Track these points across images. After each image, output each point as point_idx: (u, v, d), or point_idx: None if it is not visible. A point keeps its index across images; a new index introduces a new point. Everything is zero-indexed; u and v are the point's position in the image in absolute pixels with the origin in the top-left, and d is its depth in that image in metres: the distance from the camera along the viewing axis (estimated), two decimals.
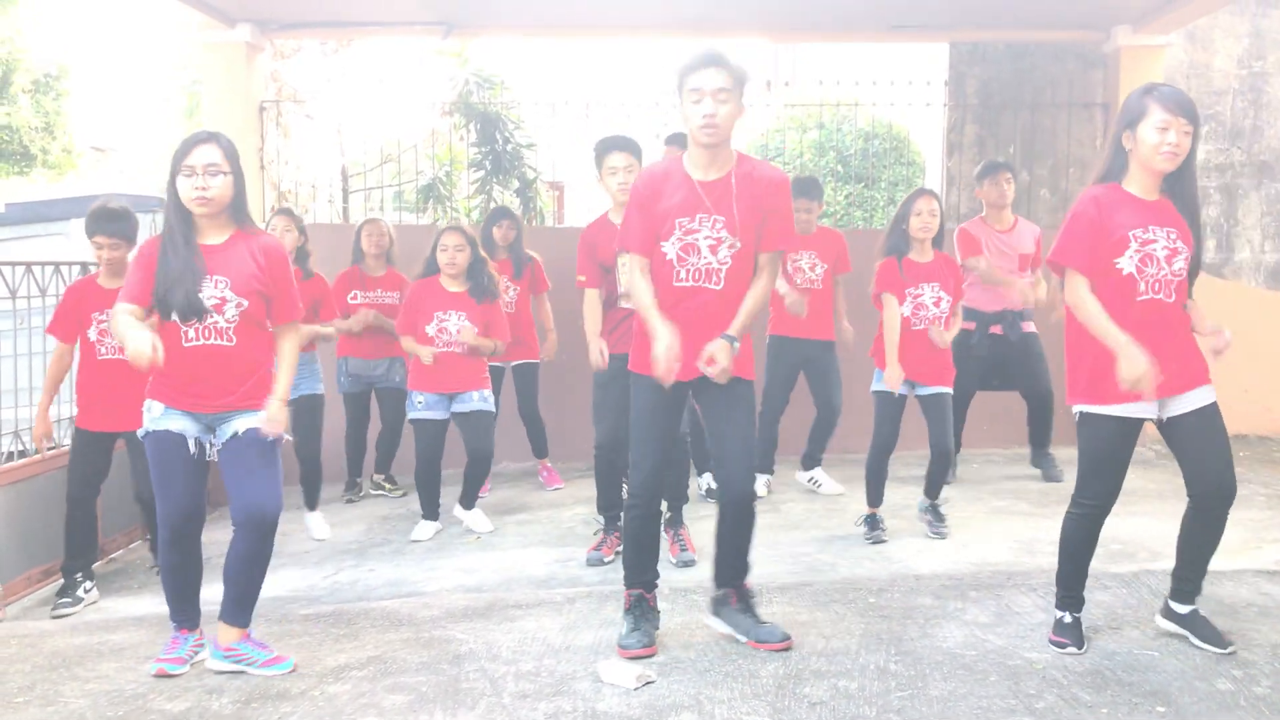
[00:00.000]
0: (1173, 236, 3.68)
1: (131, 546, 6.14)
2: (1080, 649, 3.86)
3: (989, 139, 8.96)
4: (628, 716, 3.43)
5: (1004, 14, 8.06)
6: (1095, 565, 4.96)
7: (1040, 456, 7.10)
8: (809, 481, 6.80)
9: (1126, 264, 3.67)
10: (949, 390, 5.57)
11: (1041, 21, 8.24)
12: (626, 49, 14.89)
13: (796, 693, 3.56)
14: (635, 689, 3.62)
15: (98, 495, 5.25)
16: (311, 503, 6.32)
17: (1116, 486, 3.91)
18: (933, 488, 5.72)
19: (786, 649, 3.91)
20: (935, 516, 5.71)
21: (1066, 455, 7.36)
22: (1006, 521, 5.83)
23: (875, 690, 3.57)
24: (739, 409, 3.94)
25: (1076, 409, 3.86)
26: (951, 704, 3.45)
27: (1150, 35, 8.12)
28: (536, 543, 5.87)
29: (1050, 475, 6.95)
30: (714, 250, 3.82)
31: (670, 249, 3.85)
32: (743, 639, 3.99)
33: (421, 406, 5.97)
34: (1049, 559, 5.13)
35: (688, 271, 3.85)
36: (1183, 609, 3.94)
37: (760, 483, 6.72)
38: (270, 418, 3.89)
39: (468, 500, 6.18)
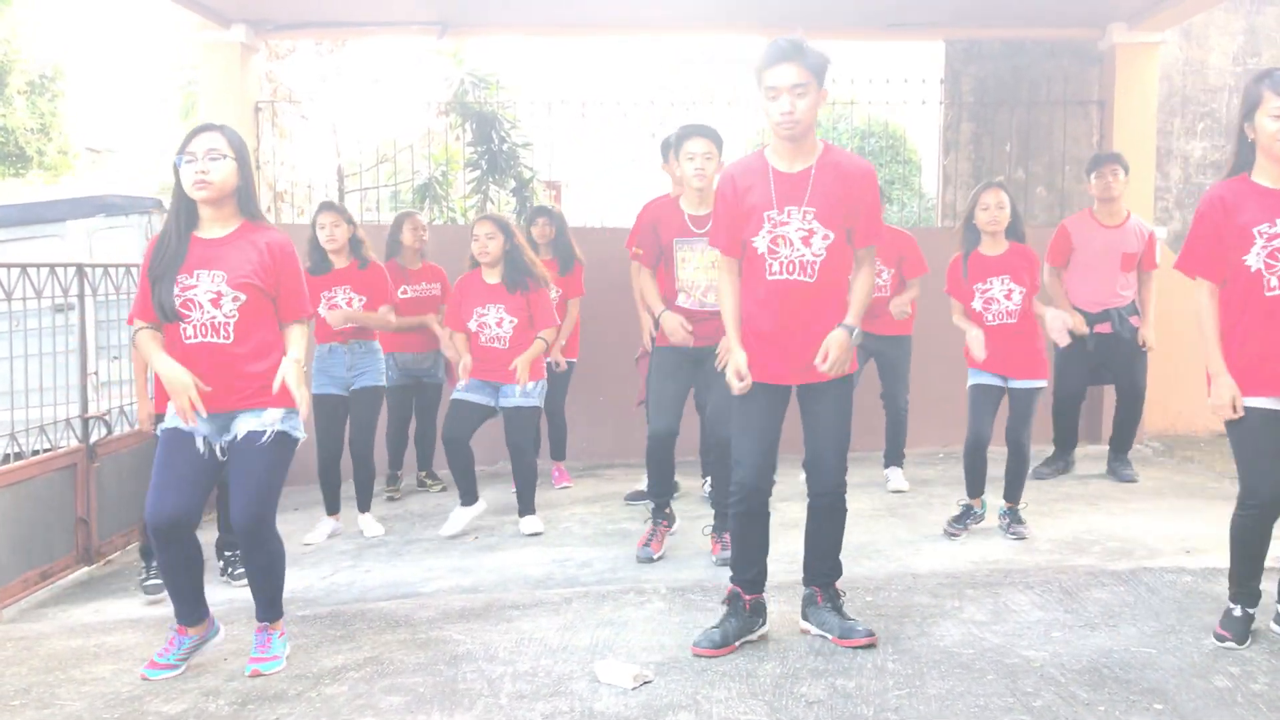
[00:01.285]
0: None
1: (128, 548, 6.13)
2: (1241, 644, 3.78)
3: (985, 137, 8.96)
4: (625, 717, 3.42)
5: (1000, 11, 8.07)
6: (1092, 563, 5.01)
7: (1117, 461, 6.98)
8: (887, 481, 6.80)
9: (1254, 260, 3.62)
10: (1040, 385, 5.46)
11: (1037, 19, 8.25)
12: (623, 47, 14.88)
13: (794, 692, 3.55)
14: (632, 689, 3.61)
15: None
16: (364, 504, 6.32)
17: (1278, 480, 3.74)
18: (1012, 489, 5.57)
19: (871, 645, 3.90)
20: (1014, 519, 5.56)
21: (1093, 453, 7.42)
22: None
23: (873, 689, 3.56)
24: (836, 405, 3.94)
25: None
26: (949, 702, 3.44)
27: (1146, 32, 8.13)
28: (534, 543, 5.85)
29: (1125, 478, 6.88)
30: (806, 242, 3.79)
31: (761, 243, 3.82)
32: (829, 637, 3.97)
33: (464, 388, 5.95)
34: (1046, 557, 5.16)
35: (780, 264, 3.81)
36: None
37: None
38: (282, 390, 3.79)
39: (522, 506, 6.11)
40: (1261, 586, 3.92)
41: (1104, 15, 8.10)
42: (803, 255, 3.79)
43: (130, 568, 5.85)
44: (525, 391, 5.90)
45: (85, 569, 5.76)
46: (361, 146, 11.41)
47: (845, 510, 4.04)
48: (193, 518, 3.86)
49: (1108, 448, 7.12)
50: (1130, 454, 7.07)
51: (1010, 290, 5.35)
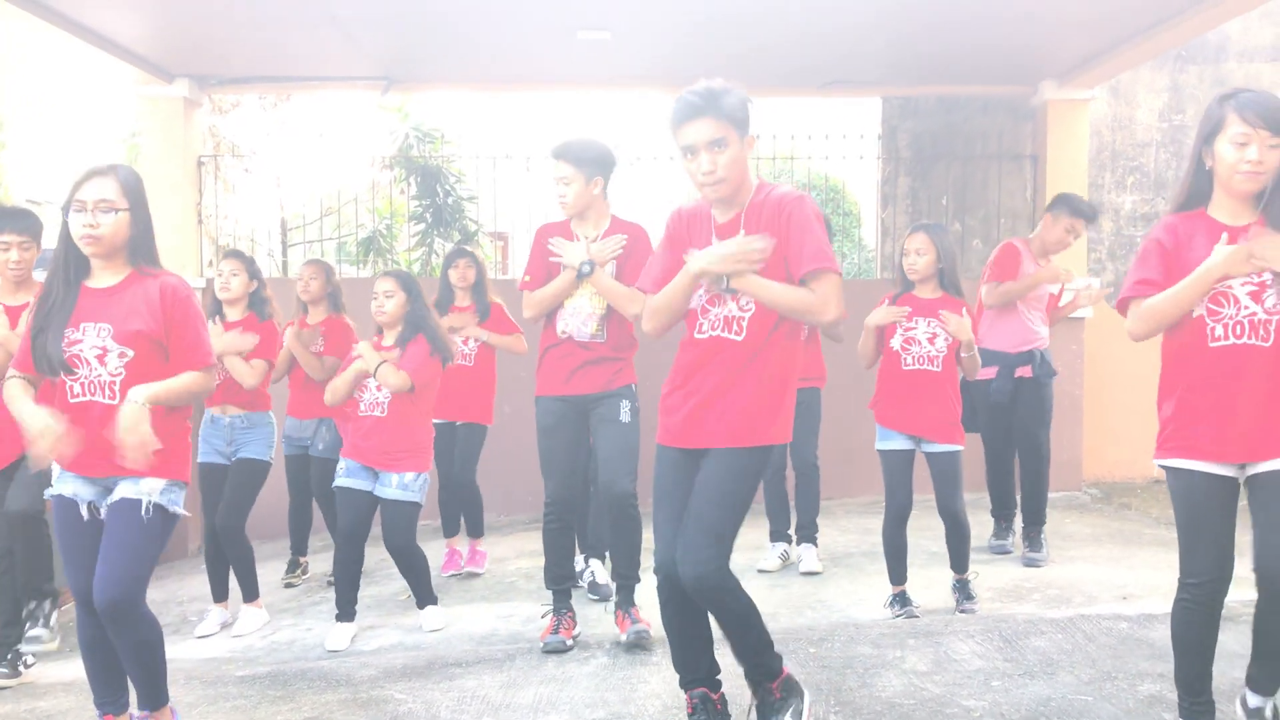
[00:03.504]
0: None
1: (64, 608, 5.99)
2: None
3: (922, 190, 9.15)
4: None
5: (934, 69, 8.27)
6: (1031, 610, 5.07)
7: (1027, 541, 6.27)
8: (782, 555, 6.18)
9: (1196, 306, 3.21)
10: (959, 449, 5.04)
11: (971, 76, 8.46)
12: (567, 102, 15.02)
13: None
14: None
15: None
16: (247, 591, 5.66)
17: (1222, 558, 3.21)
18: (957, 561, 5.19)
19: None
20: (964, 595, 5.18)
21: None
22: (945, 568, 5.86)
23: None
24: (722, 473, 3.37)
25: (1159, 464, 3.36)
26: None
27: (1075, 90, 8.37)
28: (478, 598, 5.82)
29: (1030, 560, 6.13)
30: (735, 297, 3.38)
31: (695, 300, 3.43)
32: None
33: (343, 473, 5.26)
34: (987, 605, 5.22)
35: (710, 322, 3.41)
36: (1256, 700, 3.40)
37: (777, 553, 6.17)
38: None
39: (419, 598, 5.47)
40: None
41: (1035, 73, 8.33)
42: (729, 311, 3.39)
43: (65, 628, 5.71)
44: (404, 484, 5.19)
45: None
46: (306, 200, 11.39)
47: (738, 603, 3.34)
48: None
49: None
50: (1067, 502, 7.09)
51: (935, 334, 4.99)
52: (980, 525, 6.15)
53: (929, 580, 5.67)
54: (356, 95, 9.96)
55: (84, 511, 3.51)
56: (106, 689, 3.58)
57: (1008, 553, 6.39)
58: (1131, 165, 9.34)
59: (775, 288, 3.31)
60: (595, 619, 5.23)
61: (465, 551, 6.54)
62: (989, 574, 5.82)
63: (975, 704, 3.85)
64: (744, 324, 3.38)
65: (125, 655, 3.49)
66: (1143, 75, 9.29)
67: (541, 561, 6.29)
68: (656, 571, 3.41)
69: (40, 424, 3.37)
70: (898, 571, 5.17)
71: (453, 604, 5.71)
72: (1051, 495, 7.49)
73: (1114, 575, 5.76)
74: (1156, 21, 7.01)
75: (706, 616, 3.44)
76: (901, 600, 5.17)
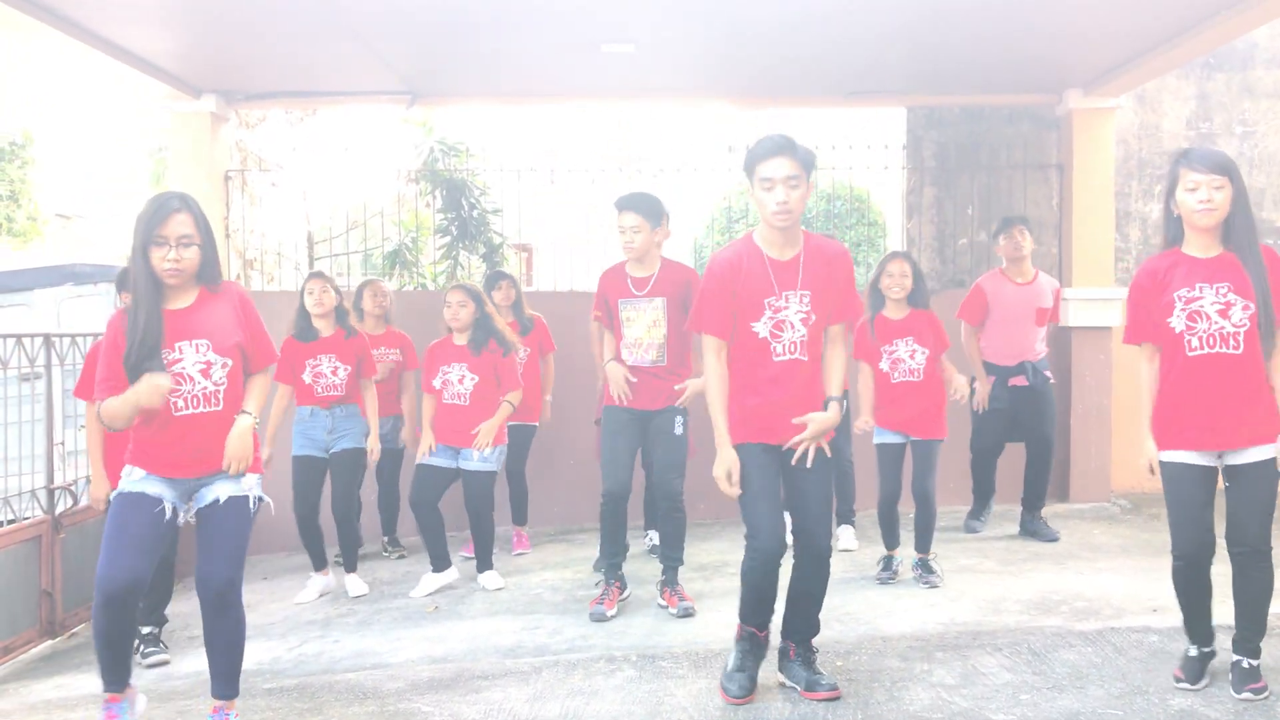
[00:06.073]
0: (1223, 291, 3.88)
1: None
2: (1194, 684, 4.04)
3: (947, 201, 9.11)
4: None
5: (959, 78, 8.24)
6: (1059, 623, 5.04)
7: (1031, 521, 7.04)
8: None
9: (1176, 323, 3.94)
10: (939, 440, 5.86)
11: (996, 86, 8.42)
12: (593, 113, 15.07)
13: None
14: None
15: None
16: (350, 564, 6.44)
17: (1200, 532, 3.99)
18: (921, 541, 5.91)
19: (833, 698, 4.04)
20: (925, 570, 5.88)
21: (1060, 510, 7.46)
22: (973, 580, 5.85)
23: None
24: (823, 464, 4.12)
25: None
26: None
27: (1101, 98, 8.32)
28: (503, 611, 5.82)
29: (1046, 537, 6.92)
30: (805, 323, 4.05)
31: (762, 328, 4.04)
32: (798, 689, 4.13)
33: (429, 454, 6.18)
34: (1015, 618, 5.19)
35: (783, 346, 4.06)
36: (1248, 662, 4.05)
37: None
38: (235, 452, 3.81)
39: (480, 562, 6.34)
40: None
41: (1060, 82, 8.28)
42: (802, 335, 4.05)
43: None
44: (483, 457, 6.13)
45: (48, 642, 5.68)
46: (332, 213, 11.46)
47: (829, 571, 4.18)
48: (145, 584, 3.75)
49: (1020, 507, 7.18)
50: (1096, 513, 7.13)
51: (914, 350, 5.83)
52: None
53: (957, 593, 5.65)
54: (382, 110, 10.01)
55: (167, 509, 3.77)
56: (117, 672, 3.82)
57: (976, 532, 7.15)
58: (1158, 174, 9.26)
59: (842, 372, 4.27)
60: (621, 630, 5.23)
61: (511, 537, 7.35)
62: (1017, 586, 5.79)
63: (1003, 718, 3.83)
64: (808, 346, 4.08)
65: (220, 639, 3.87)
66: (1169, 83, 9.22)
67: (564, 574, 6.53)
68: (757, 550, 4.05)
69: (149, 383, 3.62)
70: (891, 539, 6.00)
71: (478, 617, 5.72)
72: (1080, 506, 7.51)
73: (1143, 587, 5.70)
74: (1182, 29, 6.96)
75: (778, 584, 4.12)
76: (886, 563, 5.99)
